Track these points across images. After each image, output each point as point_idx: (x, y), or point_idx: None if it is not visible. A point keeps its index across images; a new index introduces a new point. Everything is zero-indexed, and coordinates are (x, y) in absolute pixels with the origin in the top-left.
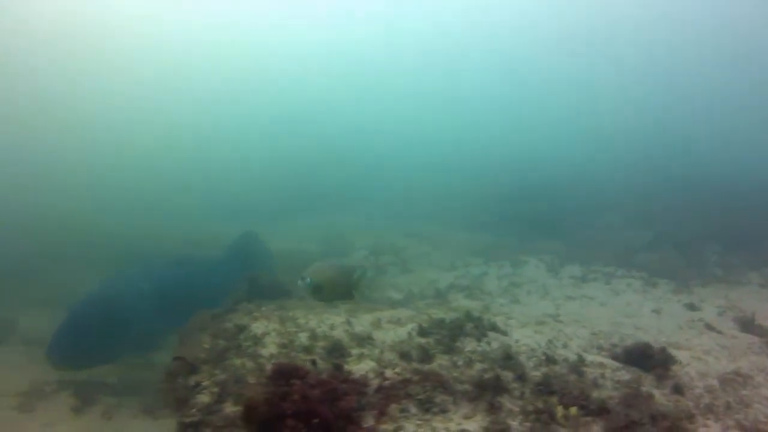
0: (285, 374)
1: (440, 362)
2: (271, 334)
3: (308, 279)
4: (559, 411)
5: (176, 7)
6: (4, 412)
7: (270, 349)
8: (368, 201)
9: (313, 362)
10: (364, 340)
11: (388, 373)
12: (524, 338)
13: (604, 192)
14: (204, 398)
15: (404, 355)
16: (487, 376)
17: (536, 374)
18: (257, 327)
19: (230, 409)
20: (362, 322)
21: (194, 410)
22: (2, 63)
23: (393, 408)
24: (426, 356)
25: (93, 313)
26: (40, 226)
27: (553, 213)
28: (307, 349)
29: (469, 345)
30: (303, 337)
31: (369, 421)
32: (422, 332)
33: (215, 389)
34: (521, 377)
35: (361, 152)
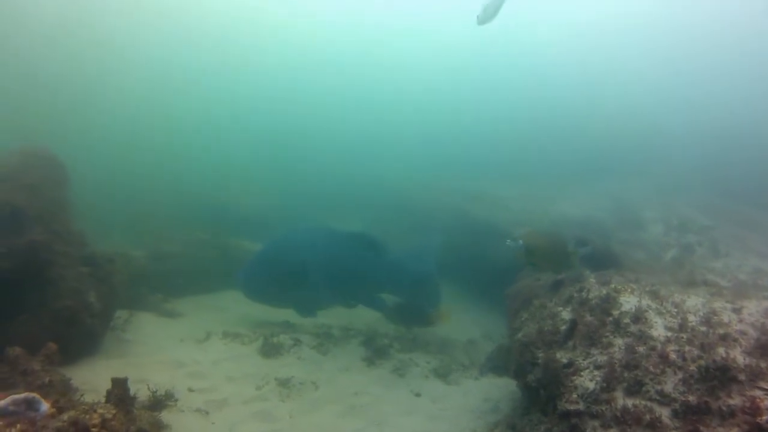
0: None
1: None
2: (650, 312)
3: (521, 241)
4: None
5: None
6: (308, 352)
7: (659, 330)
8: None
9: None
10: None
11: None
12: None
13: None
14: (585, 382)
15: None
16: None
17: None
18: (627, 301)
19: (624, 401)
20: (750, 309)
21: (575, 396)
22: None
23: None
24: None
25: (262, 260)
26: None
27: None
28: (723, 337)
29: None
30: (694, 321)
31: None
32: None
33: (596, 372)
34: None
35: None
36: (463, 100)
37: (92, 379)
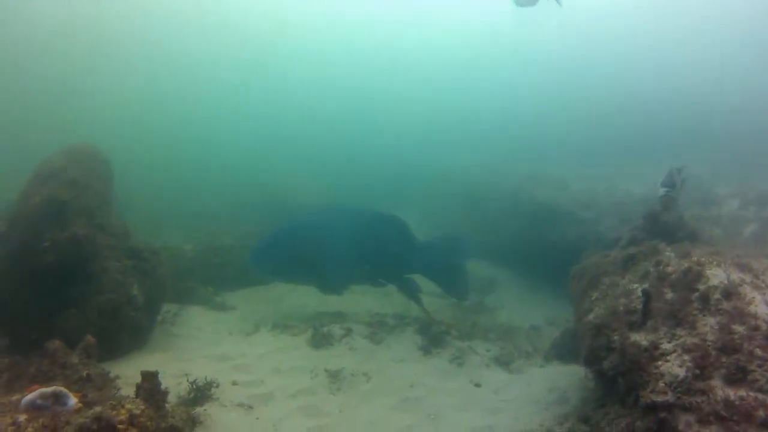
0: None
1: None
2: (745, 287)
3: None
4: None
5: None
6: (360, 341)
7: (760, 307)
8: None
9: None
10: None
11: None
12: None
13: None
14: (673, 369)
15: None
16: None
17: None
18: (714, 275)
19: (724, 391)
20: None
21: (662, 385)
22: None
23: None
24: None
25: (270, 236)
26: None
27: None
28: None
29: None
30: None
31: None
32: None
33: (686, 357)
34: None
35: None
36: (519, 80)
37: (134, 374)
